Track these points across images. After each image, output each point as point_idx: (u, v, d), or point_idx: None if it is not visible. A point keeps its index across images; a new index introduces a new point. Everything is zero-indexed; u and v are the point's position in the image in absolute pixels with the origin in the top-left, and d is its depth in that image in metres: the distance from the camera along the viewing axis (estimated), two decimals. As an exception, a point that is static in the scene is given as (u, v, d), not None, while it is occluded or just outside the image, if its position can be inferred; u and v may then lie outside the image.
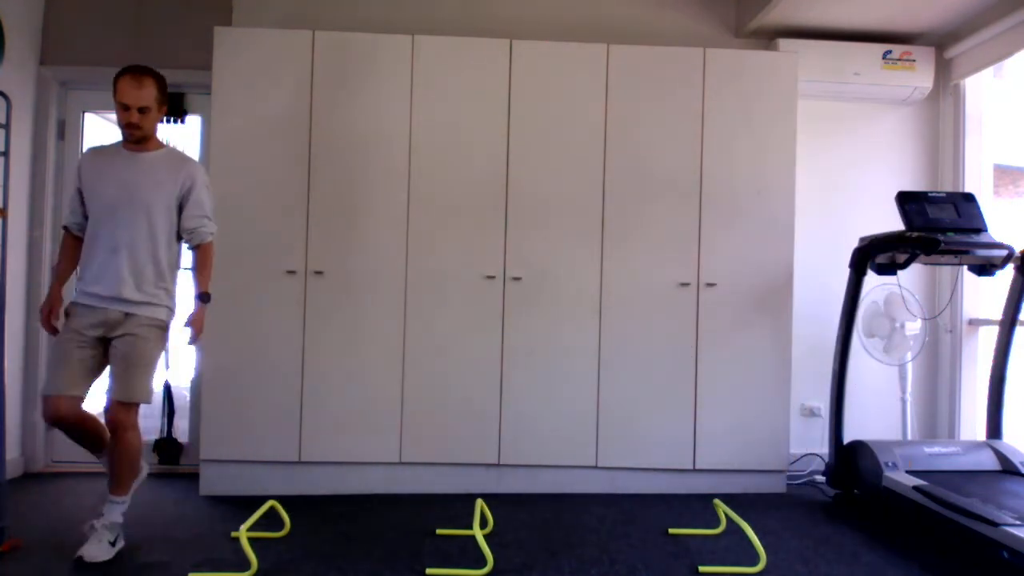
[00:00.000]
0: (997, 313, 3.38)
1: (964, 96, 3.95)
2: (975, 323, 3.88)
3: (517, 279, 3.48)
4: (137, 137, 2.68)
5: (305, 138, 3.44)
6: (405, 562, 2.59)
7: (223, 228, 3.40)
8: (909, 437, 3.67)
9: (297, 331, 3.41)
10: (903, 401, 3.70)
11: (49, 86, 3.82)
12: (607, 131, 3.53)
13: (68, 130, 3.89)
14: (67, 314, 2.69)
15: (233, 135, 3.42)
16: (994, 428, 3.33)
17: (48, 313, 2.71)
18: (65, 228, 2.79)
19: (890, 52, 3.85)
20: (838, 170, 4.01)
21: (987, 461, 3.21)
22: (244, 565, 2.45)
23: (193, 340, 2.78)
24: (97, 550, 2.58)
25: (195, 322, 2.77)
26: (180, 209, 2.75)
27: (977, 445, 3.31)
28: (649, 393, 3.51)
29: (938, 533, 2.80)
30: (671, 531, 2.96)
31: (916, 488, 2.91)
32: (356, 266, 3.44)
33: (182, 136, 3.95)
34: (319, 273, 3.43)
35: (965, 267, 3.59)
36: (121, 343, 2.63)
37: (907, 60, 3.85)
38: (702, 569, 2.56)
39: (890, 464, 3.14)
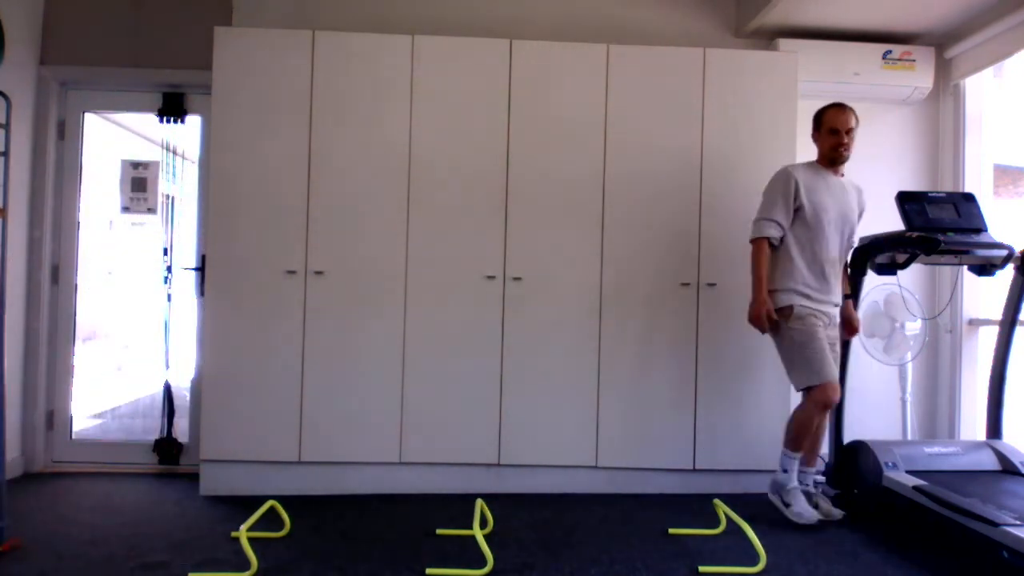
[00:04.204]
0: (997, 313, 3.37)
1: (964, 96, 3.95)
2: (975, 323, 3.88)
3: (517, 279, 3.48)
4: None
5: (305, 138, 3.44)
6: (405, 562, 2.59)
7: (223, 228, 3.41)
8: (909, 437, 3.67)
9: (297, 331, 3.41)
10: (903, 401, 3.70)
11: (49, 86, 3.82)
12: (607, 131, 3.53)
13: (68, 130, 3.89)
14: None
15: (233, 135, 3.42)
16: (994, 428, 3.32)
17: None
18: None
19: (890, 52, 3.85)
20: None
21: (987, 461, 3.21)
22: (244, 565, 2.45)
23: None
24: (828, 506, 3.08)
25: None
26: None
27: (977, 445, 3.31)
28: (649, 393, 3.50)
29: (938, 533, 2.80)
30: (671, 531, 2.96)
31: (916, 488, 2.91)
32: (356, 266, 3.44)
33: (182, 136, 3.96)
34: (319, 273, 3.43)
35: (965, 267, 3.58)
36: None
37: (907, 60, 3.85)
38: (702, 569, 2.56)
39: (890, 464, 3.14)
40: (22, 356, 3.71)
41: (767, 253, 3.10)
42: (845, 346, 3.42)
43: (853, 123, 3.13)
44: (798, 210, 3.09)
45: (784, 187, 3.10)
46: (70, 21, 3.84)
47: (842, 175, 3.22)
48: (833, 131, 3.13)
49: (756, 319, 3.09)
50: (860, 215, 3.25)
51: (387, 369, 3.44)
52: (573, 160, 3.52)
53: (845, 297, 3.28)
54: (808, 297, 3.08)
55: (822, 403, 3.04)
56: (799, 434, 3.08)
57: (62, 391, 3.87)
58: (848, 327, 3.31)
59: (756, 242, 3.12)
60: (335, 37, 3.48)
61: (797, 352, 3.06)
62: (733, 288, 3.50)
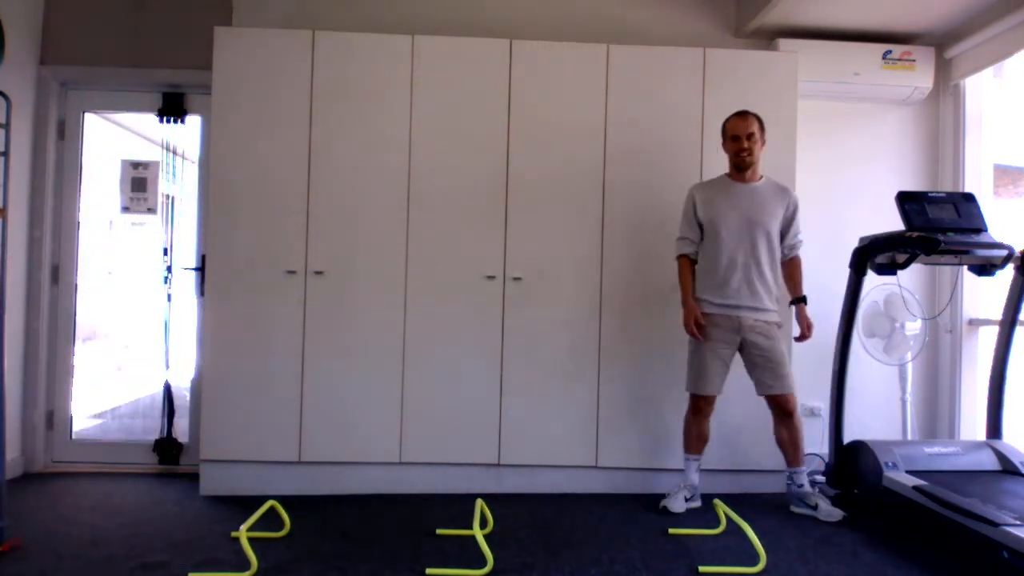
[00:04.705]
0: (997, 313, 3.37)
1: (964, 96, 3.95)
2: (975, 323, 3.88)
3: (517, 279, 3.48)
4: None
5: (305, 138, 3.45)
6: (405, 562, 2.59)
7: (223, 228, 3.41)
8: (909, 437, 3.67)
9: (297, 331, 3.41)
10: (903, 401, 3.70)
11: (49, 86, 3.82)
12: (607, 131, 3.53)
13: (68, 130, 3.89)
14: None
15: (233, 135, 3.42)
16: (994, 428, 3.32)
17: None
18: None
19: (890, 52, 3.85)
20: (838, 170, 4.01)
21: (987, 461, 3.21)
22: (244, 565, 2.45)
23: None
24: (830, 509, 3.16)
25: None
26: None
27: (977, 445, 3.31)
28: (649, 393, 3.51)
29: (938, 533, 2.80)
30: (671, 531, 2.96)
31: (916, 488, 2.91)
32: (356, 266, 3.44)
33: (182, 136, 3.96)
34: (319, 273, 3.43)
35: (965, 267, 3.58)
36: None
37: (907, 60, 3.85)
38: (702, 569, 2.56)
39: (890, 464, 3.14)
40: (22, 356, 3.71)
41: (688, 267, 3.28)
42: (844, 347, 3.42)
43: (754, 128, 3.19)
44: (702, 225, 3.25)
45: (686, 206, 3.32)
46: (70, 21, 3.84)
47: (760, 178, 3.27)
48: (734, 138, 3.21)
49: (686, 326, 3.24)
50: (792, 214, 3.26)
51: (387, 369, 3.44)
52: (573, 160, 3.52)
53: (796, 300, 3.31)
54: (710, 303, 3.22)
55: (695, 409, 3.28)
56: (684, 436, 3.32)
57: (62, 391, 3.87)
58: (801, 330, 3.30)
59: (678, 259, 3.32)
60: (335, 37, 3.48)
61: (689, 356, 3.29)
62: (733, 288, 3.50)
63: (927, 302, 3.94)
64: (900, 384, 3.71)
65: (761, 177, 3.28)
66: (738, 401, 3.46)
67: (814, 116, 3.88)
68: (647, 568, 2.59)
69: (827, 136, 3.99)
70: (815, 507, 3.19)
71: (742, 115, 3.22)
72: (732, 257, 3.19)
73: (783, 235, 3.27)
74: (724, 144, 3.28)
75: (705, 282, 3.25)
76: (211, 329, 3.42)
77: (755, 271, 3.19)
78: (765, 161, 3.43)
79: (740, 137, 3.19)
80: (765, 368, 3.19)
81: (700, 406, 3.25)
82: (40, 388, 3.78)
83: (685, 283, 3.27)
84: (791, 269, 3.33)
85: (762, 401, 3.27)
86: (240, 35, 3.47)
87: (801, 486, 3.25)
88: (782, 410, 3.22)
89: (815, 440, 3.88)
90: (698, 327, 3.19)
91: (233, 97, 3.43)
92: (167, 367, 3.93)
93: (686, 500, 3.24)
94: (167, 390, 3.90)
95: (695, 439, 3.28)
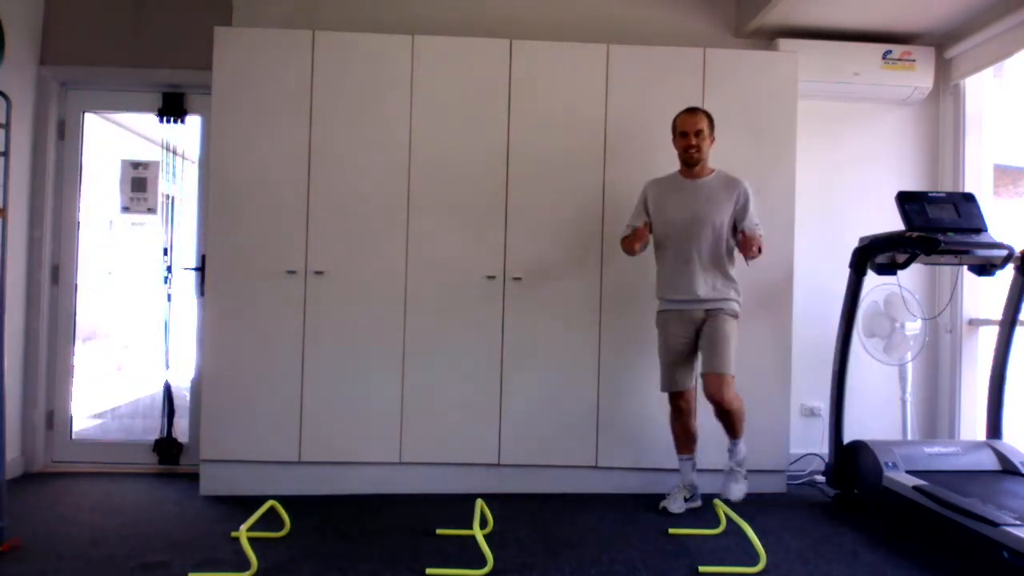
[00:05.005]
0: (997, 313, 3.37)
1: (964, 96, 3.95)
2: (975, 323, 3.88)
3: (517, 279, 3.48)
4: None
5: (305, 138, 3.44)
6: (405, 562, 2.59)
7: (223, 228, 3.41)
8: (909, 437, 3.67)
9: (297, 331, 3.41)
10: (903, 401, 3.70)
11: (49, 86, 3.82)
12: (607, 131, 3.53)
13: (68, 130, 3.89)
14: None
15: (233, 135, 3.42)
16: (994, 428, 3.32)
17: None
18: None
19: (890, 52, 3.85)
20: (838, 170, 4.01)
21: (987, 461, 3.21)
22: (244, 565, 2.45)
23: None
24: (740, 487, 3.15)
25: None
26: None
27: (977, 445, 3.31)
28: (649, 392, 3.50)
29: (938, 533, 2.80)
30: (671, 531, 2.96)
31: (916, 488, 2.91)
32: (356, 266, 3.44)
33: (182, 136, 3.96)
34: (319, 273, 3.43)
35: (965, 267, 3.58)
36: None
37: (907, 60, 3.85)
38: (702, 569, 2.56)
39: (890, 464, 3.14)
40: (22, 356, 3.71)
41: (633, 250, 3.23)
42: (844, 347, 3.42)
43: (703, 125, 3.18)
44: (652, 223, 3.25)
45: (638, 200, 3.32)
46: (70, 21, 3.84)
47: (710, 173, 3.24)
48: (683, 134, 3.19)
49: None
50: (744, 204, 3.17)
51: (387, 369, 3.44)
52: (574, 160, 3.52)
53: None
54: (665, 300, 3.27)
55: (672, 408, 3.27)
56: (673, 436, 3.30)
57: (62, 391, 3.87)
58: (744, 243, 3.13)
59: (621, 243, 3.30)
60: (335, 37, 3.48)
61: (658, 356, 3.31)
62: (733, 288, 3.50)
63: (927, 302, 3.94)
64: (900, 384, 3.71)
65: (712, 171, 3.25)
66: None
67: (814, 116, 3.88)
68: (647, 568, 2.59)
69: (827, 136, 3.99)
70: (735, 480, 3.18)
71: (692, 111, 3.20)
72: (681, 255, 3.19)
73: (738, 226, 3.18)
74: (673, 140, 3.25)
75: (661, 281, 3.28)
76: (211, 329, 3.42)
77: (705, 266, 3.17)
78: (764, 160, 3.43)
79: (688, 133, 3.17)
80: (706, 347, 3.14)
81: (675, 404, 3.24)
82: (40, 388, 3.78)
83: (627, 238, 3.23)
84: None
85: (760, 401, 3.27)
86: (240, 35, 3.47)
87: (736, 461, 3.20)
88: (711, 396, 3.08)
89: (815, 440, 3.89)
90: (659, 326, 3.27)
91: (233, 97, 3.43)
92: (167, 367, 3.93)
93: (685, 500, 3.24)
94: (167, 390, 3.90)
95: (682, 438, 3.27)
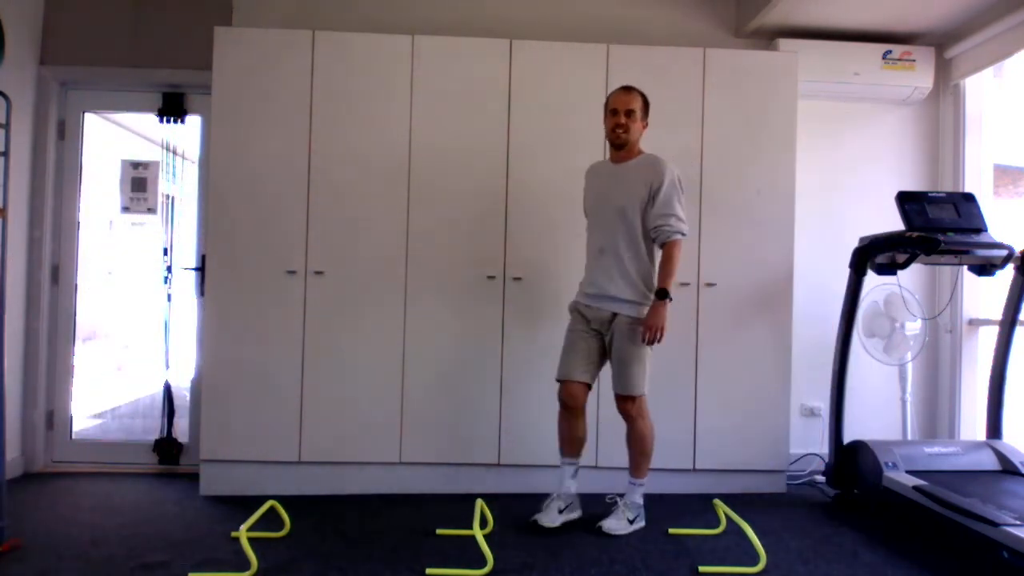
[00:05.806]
0: (997, 313, 3.38)
1: (964, 96, 3.95)
2: (975, 323, 3.88)
3: (517, 279, 3.48)
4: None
5: (305, 138, 3.44)
6: (405, 562, 2.59)
7: (223, 228, 3.41)
8: (909, 437, 3.67)
9: (297, 331, 3.41)
10: (903, 401, 3.70)
11: (49, 86, 3.82)
12: (607, 131, 3.53)
13: (68, 130, 3.89)
14: None
15: (233, 135, 3.42)
16: (994, 428, 3.33)
17: None
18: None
19: (890, 52, 3.85)
20: (838, 170, 4.01)
21: (987, 461, 3.21)
22: (244, 565, 2.45)
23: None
24: (617, 524, 2.90)
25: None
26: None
27: (977, 445, 3.31)
28: (649, 392, 3.50)
29: (938, 533, 2.80)
30: (671, 531, 2.96)
31: (916, 488, 2.91)
32: (356, 266, 3.44)
33: (182, 136, 3.96)
34: (319, 273, 3.43)
35: (965, 267, 3.59)
36: None
37: (907, 60, 3.85)
38: (702, 569, 2.56)
39: (890, 464, 3.14)
40: (22, 356, 3.71)
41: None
42: (844, 347, 3.42)
43: (635, 105, 2.94)
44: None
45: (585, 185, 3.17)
46: (70, 21, 3.84)
47: (638, 153, 3.00)
48: (613, 111, 2.96)
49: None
50: (656, 191, 2.88)
51: (387, 369, 3.44)
52: (574, 159, 3.50)
53: (658, 293, 2.86)
54: (582, 293, 3.05)
55: (560, 399, 3.00)
56: (558, 435, 3.05)
57: (62, 391, 3.87)
58: (642, 331, 2.85)
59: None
60: (335, 37, 3.48)
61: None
62: (733, 288, 3.50)
63: (927, 302, 3.94)
64: (900, 384, 3.71)
65: (639, 153, 3.01)
66: (738, 401, 3.47)
67: (814, 116, 3.89)
68: (647, 568, 2.59)
69: (827, 136, 3.99)
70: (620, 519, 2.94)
71: (626, 89, 2.99)
72: (595, 244, 3.01)
73: (646, 216, 2.92)
74: (604, 119, 3.04)
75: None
76: (211, 329, 3.42)
77: (616, 261, 2.92)
78: (764, 160, 3.43)
79: (619, 111, 2.94)
80: (615, 365, 2.95)
81: (562, 395, 2.97)
82: (40, 388, 3.78)
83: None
84: (662, 258, 2.91)
85: (760, 401, 3.27)
86: (240, 35, 3.47)
87: (624, 501, 2.97)
88: (622, 412, 2.96)
89: (815, 440, 3.89)
90: (570, 312, 3.05)
91: (233, 97, 3.43)
92: (167, 367, 3.93)
93: (560, 512, 2.96)
94: (167, 390, 3.90)
95: (565, 438, 3.01)
